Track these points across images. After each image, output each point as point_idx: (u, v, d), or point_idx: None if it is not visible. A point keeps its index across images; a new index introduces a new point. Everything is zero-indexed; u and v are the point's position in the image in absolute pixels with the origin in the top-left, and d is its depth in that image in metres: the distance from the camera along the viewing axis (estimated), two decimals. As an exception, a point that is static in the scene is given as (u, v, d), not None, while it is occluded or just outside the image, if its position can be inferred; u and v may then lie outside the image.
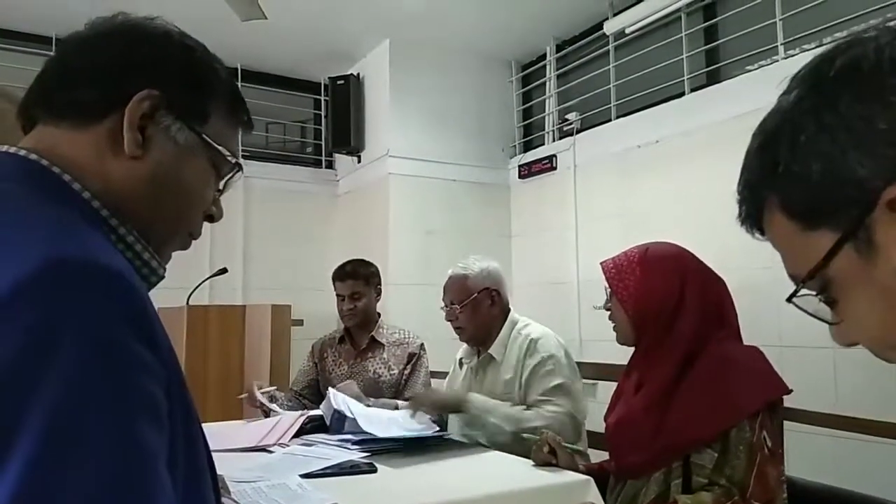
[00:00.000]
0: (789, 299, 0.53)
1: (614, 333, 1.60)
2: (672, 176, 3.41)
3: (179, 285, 3.17)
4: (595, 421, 1.97)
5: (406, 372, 2.62)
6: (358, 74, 4.44)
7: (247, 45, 4.10)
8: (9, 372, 0.48)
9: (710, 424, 1.37)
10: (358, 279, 2.68)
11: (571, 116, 4.06)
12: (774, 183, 0.52)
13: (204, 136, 0.72)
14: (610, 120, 3.85)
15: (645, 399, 1.49)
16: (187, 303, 3.29)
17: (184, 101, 0.71)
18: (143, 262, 0.70)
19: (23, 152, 0.65)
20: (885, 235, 0.46)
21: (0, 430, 0.48)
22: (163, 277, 0.73)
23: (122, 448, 0.51)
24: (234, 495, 1.41)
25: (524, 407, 2.01)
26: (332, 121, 4.43)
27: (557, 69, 4.31)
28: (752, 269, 2.96)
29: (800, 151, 0.49)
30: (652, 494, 1.43)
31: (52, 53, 0.74)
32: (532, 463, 1.65)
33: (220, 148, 0.74)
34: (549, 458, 1.62)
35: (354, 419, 2.01)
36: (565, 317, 3.79)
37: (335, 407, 2.09)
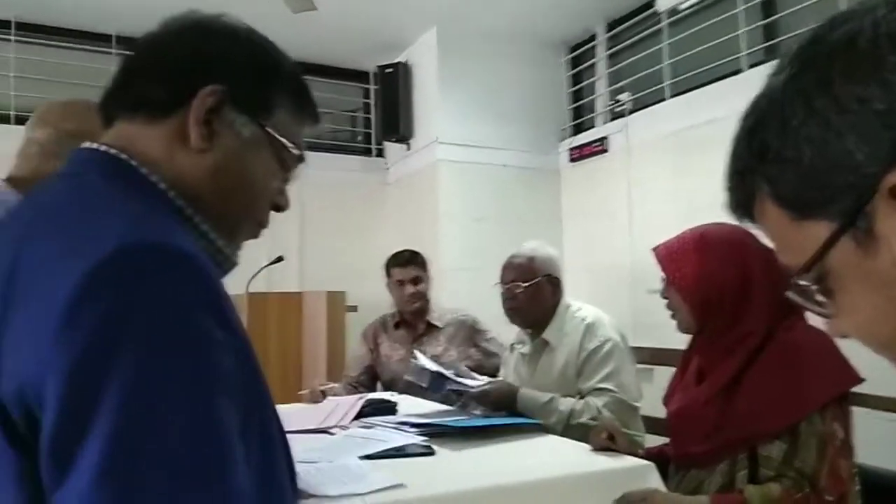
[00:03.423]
0: (784, 292, 0.51)
1: (670, 318, 1.54)
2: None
3: (239, 273, 3.25)
4: (653, 406, 1.94)
5: (472, 352, 2.67)
6: (406, 62, 4.44)
7: (296, 36, 4.09)
8: (87, 351, 0.51)
9: (777, 417, 1.32)
10: (418, 264, 2.76)
11: (623, 97, 3.97)
12: (764, 170, 0.49)
13: (268, 128, 0.74)
14: (663, 99, 3.76)
15: (708, 390, 1.44)
16: (247, 290, 3.37)
17: (248, 95, 0.73)
18: (217, 249, 0.73)
19: (103, 147, 0.69)
20: (885, 225, 0.43)
21: (81, 405, 0.50)
22: (236, 264, 0.76)
23: (198, 420, 0.53)
24: (298, 474, 1.45)
25: (577, 398, 2.00)
26: (382, 109, 4.45)
27: (608, 49, 4.22)
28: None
29: (791, 136, 0.46)
30: (716, 485, 1.40)
31: (110, 50, 0.78)
32: (591, 448, 1.64)
33: (283, 140, 0.75)
34: (607, 443, 1.60)
35: (454, 379, 2.06)
36: (619, 301, 3.74)
37: (432, 369, 2.12)
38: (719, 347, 1.45)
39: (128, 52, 0.75)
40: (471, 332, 2.74)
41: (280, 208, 0.80)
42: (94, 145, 0.70)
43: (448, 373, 2.09)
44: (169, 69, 0.71)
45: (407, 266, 2.74)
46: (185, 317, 0.55)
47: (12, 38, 3.82)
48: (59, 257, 0.56)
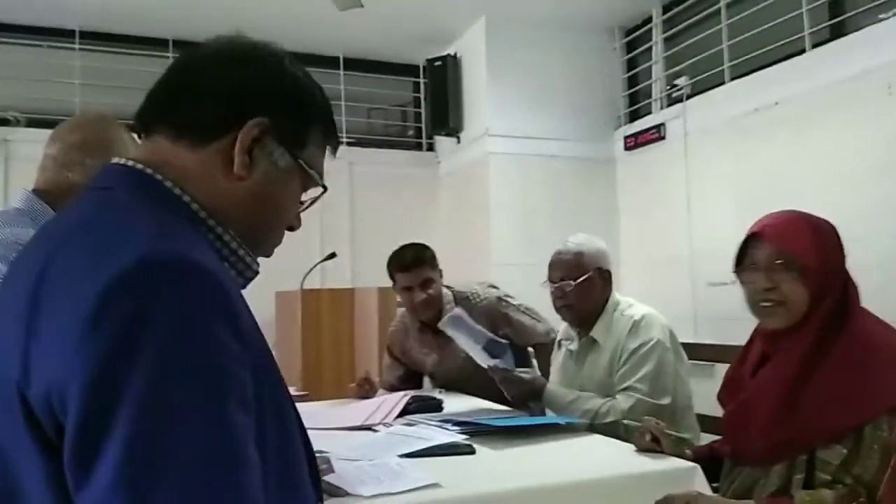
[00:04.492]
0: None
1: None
2: (794, 141, 3.14)
3: (293, 270, 3.30)
4: (711, 405, 1.86)
5: (504, 334, 2.39)
6: (455, 54, 4.41)
7: (345, 32, 4.16)
8: (107, 357, 0.54)
9: (843, 418, 1.23)
10: (424, 265, 2.39)
11: (681, 81, 3.83)
12: None
13: (300, 161, 0.78)
14: (723, 83, 3.59)
15: (770, 384, 1.35)
16: (301, 286, 3.43)
17: (289, 128, 0.76)
18: (238, 258, 0.75)
19: (131, 163, 0.72)
20: None
21: (101, 410, 0.53)
22: (257, 273, 0.78)
23: (212, 426, 0.55)
24: (337, 472, 1.45)
25: (604, 401, 1.95)
26: (431, 103, 4.44)
27: (664, 32, 4.07)
28: (887, 239, 2.68)
29: None
30: (771, 487, 1.31)
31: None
32: (634, 448, 1.59)
33: (312, 172, 0.79)
34: (651, 445, 1.54)
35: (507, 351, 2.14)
36: (678, 295, 3.61)
37: (489, 336, 2.16)
38: (784, 336, 1.34)
39: (174, 67, 0.78)
40: (494, 316, 2.42)
41: (291, 229, 0.84)
42: (123, 160, 0.73)
43: (503, 342, 2.16)
44: (219, 97, 0.74)
45: (411, 270, 2.36)
46: (200, 327, 0.57)
47: (77, 46, 4.00)
48: (83, 269, 0.59)
